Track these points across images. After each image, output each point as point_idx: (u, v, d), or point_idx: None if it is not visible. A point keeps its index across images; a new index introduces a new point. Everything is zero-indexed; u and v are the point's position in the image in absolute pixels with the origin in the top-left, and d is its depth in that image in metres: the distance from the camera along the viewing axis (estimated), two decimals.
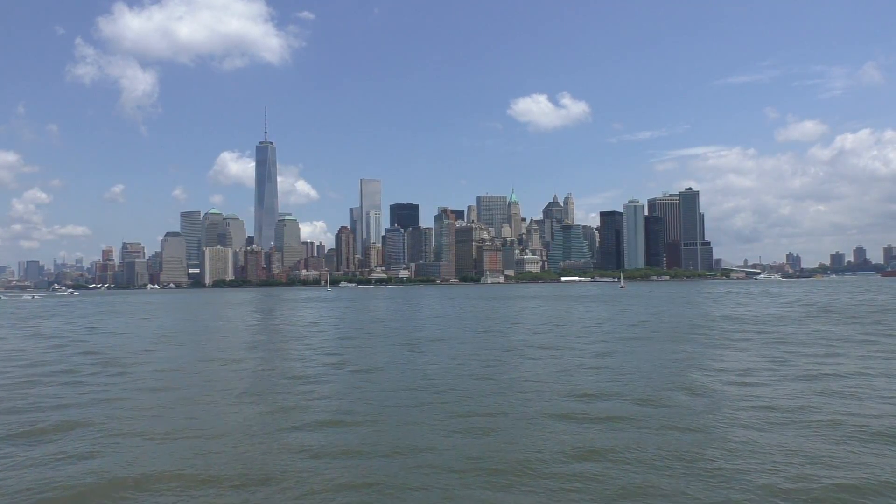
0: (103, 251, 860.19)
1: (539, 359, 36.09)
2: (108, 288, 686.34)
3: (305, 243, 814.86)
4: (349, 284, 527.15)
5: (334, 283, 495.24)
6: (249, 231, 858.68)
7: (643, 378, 28.31)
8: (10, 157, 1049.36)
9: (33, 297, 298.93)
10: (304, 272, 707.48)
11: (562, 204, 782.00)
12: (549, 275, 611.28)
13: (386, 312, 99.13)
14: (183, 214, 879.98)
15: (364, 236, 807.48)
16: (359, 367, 33.98)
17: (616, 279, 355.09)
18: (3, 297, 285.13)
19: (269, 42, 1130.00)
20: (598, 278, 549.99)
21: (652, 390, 25.25)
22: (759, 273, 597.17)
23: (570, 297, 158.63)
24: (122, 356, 40.88)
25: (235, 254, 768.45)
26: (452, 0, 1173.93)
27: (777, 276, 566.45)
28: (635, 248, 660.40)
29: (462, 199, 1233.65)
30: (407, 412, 22.28)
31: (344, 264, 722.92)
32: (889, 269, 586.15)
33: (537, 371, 31.25)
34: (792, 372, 29.35)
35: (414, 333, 56.08)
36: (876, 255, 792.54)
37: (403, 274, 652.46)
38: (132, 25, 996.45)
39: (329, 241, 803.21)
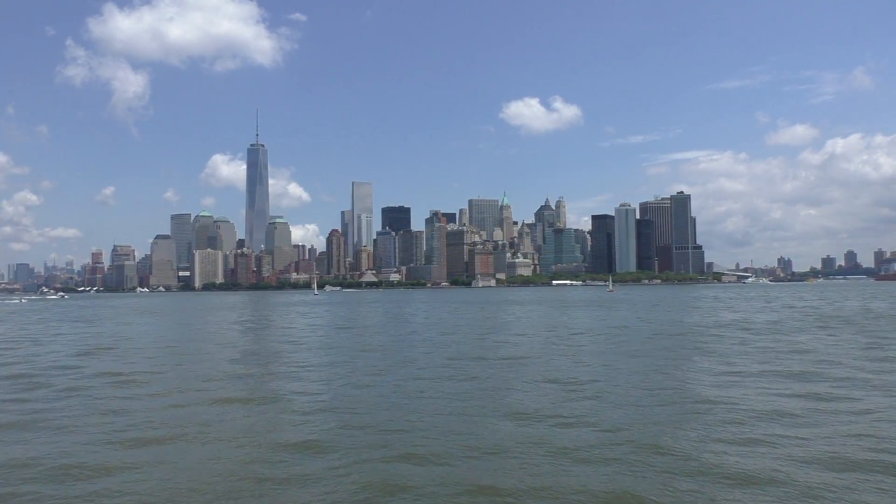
0: (93, 254, 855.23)
1: (494, 372, 32.27)
2: (98, 291, 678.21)
3: (297, 246, 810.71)
4: (334, 288, 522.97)
5: (322, 286, 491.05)
6: (240, 234, 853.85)
7: (597, 399, 24.51)
8: None
9: (21, 300, 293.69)
10: (294, 275, 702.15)
11: (554, 207, 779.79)
12: (540, 278, 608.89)
13: (358, 317, 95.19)
14: (173, 217, 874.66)
15: (355, 239, 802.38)
16: (282, 387, 30.01)
17: (606, 283, 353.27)
18: None
19: (260, 44, 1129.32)
20: (589, 282, 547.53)
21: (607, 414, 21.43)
22: (749, 277, 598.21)
23: (558, 301, 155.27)
24: (31, 371, 36.86)
25: (226, 256, 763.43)
26: (445, 3, 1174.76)
27: (765, 280, 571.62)
28: (627, 252, 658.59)
29: (454, 203, 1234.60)
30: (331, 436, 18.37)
31: (335, 267, 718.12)
32: (882, 273, 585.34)
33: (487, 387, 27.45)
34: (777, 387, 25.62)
35: (372, 339, 52.22)
36: (867, 259, 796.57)
37: (394, 277, 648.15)
38: (122, 27, 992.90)
39: (321, 244, 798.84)
